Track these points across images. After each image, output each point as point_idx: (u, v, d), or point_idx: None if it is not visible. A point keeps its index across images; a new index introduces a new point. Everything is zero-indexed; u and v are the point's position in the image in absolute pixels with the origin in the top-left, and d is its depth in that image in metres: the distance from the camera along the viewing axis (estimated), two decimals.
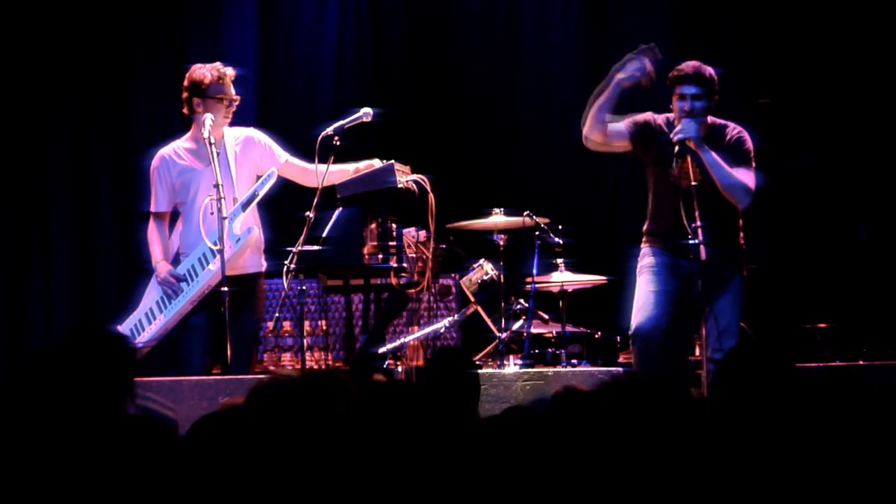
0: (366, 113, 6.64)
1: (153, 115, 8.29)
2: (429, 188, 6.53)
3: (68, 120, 8.36)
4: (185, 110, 6.70)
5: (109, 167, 8.35)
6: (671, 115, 6.32)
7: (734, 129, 6.33)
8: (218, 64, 6.67)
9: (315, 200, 6.43)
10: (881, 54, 8.06)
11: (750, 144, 6.29)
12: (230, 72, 6.65)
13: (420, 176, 6.56)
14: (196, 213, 6.59)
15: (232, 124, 6.75)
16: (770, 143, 7.90)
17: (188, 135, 6.74)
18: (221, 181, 6.41)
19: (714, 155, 6.12)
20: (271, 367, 6.82)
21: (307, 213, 6.43)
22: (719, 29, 8.36)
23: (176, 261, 6.66)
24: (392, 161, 6.50)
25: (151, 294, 6.69)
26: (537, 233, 7.26)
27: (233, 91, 6.64)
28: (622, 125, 6.33)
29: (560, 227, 7.35)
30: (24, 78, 8.23)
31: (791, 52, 8.18)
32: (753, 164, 6.25)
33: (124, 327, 6.63)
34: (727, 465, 3.18)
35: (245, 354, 6.46)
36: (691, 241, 6.04)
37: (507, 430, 3.16)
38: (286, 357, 6.87)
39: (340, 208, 6.50)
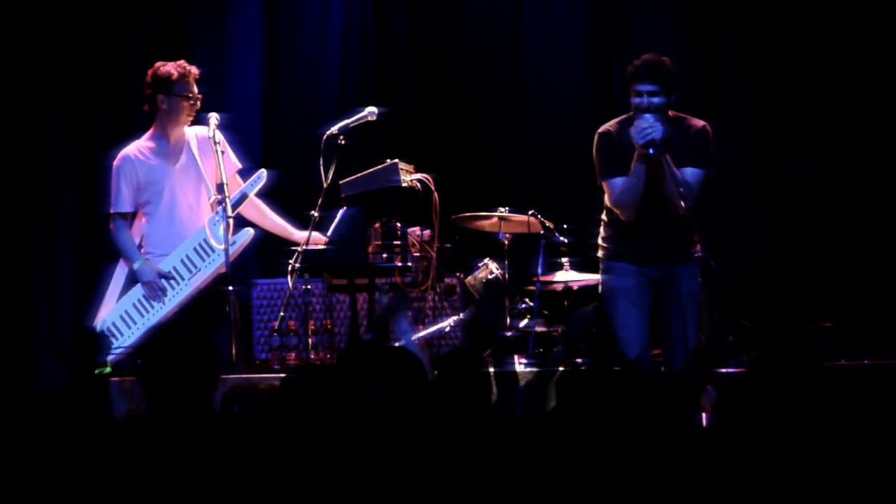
0: (370, 112, 6.69)
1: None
2: (433, 187, 6.60)
3: (68, 120, 8.39)
4: (146, 107, 6.67)
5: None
6: (624, 117, 6.17)
7: (696, 122, 6.17)
8: (182, 61, 6.67)
9: (319, 200, 6.48)
10: (882, 53, 8.06)
11: (712, 141, 6.15)
12: (194, 70, 6.64)
13: (424, 175, 6.63)
14: (165, 213, 6.61)
15: (231, 123, 6.82)
16: (770, 143, 8.18)
17: (150, 133, 6.71)
18: (227, 181, 6.50)
19: (668, 158, 5.94)
20: (276, 366, 6.86)
21: (312, 212, 6.50)
22: (720, 31, 8.38)
23: None
24: (396, 160, 6.56)
25: (126, 290, 6.63)
26: (542, 232, 7.30)
27: (196, 89, 6.63)
28: (615, 178, 6.11)
29: (565, 226, 7.40)
30: (24, 78, 8.27)
31: (791, 52, 8.19)
32: (709, 164, 6.11)
33: (97, 325, 6.59)
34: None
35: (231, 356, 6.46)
36: (647, 245, 6.05)
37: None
38: (291, 356, 6.90)
39: (345, 207, 6.56)
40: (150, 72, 6.66)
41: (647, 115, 5.96)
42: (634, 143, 5.96)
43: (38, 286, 8.31)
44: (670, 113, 6.12)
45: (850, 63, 8.13)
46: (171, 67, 6.61)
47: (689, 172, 6.04)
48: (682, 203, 5.88)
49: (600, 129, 6.22)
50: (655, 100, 5.99)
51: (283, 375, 3.85)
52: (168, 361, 3.91)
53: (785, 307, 7.90)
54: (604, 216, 6.26)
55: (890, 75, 8.07)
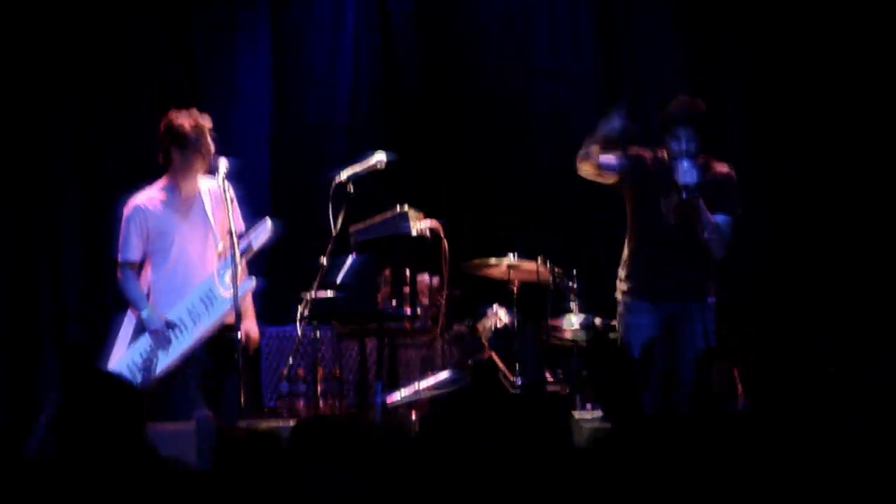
0: (379, 161, 6.69)
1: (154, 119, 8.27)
2: (442, 234, 6.64)
3: (69, 120, 8.36)
4: (159, 158, 6.65)
5: (112, 164, 8.38)
6: (660, 152, 6.30)
7: (722, 168, 6.33)
8: (195, 112, 6.62)
9: (329, 246, 6.47)
10: (881, 52, 8.10)
11: (736, 186, 6.31)
12: (208, 123, 6.61)
13: (433, 222, 6.66)
14: (173, 264, 6.60)
15: (240, 168, 6.77)
16: (771, 143, 8.20)
17: (162, 183, 6.70)
18: (235, 229, 6.47)
19: (702, 203, 6.13)
20: (285, 413, 6.90)
21: (321, 258, 6.48)
22: (721, 33, 8.41)
23: None
24: (405, 207, 6.60)
25: (133, 339, 6.63)
26: (551, 278, 7.29)
27: (210, 143, 6.61)
28: (613, 157, 6.29)
29: (573, 271, 7.41)
30: (24, 78, 8.24)
31: (791, 52, 8.21)
32: (737, 209, 6.27)
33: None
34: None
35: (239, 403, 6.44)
36: (670, 281, 6.17)
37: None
38: (300, 404, 6.93)
39: (354, 254, 6.56)
40: (163, 122, 6.63)
41: (686, 161, 6.14)
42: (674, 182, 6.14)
43: (43, 288, 8.32)
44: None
45: (849, 62, 8.17)
46: (184, 121, 6.57)
47: (722, 219, 6.23)
48: (713, 249, 6.12)
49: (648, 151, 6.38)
50: (693, 144, 6.18)
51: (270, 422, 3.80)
52: (82, 404, 3.77)
53: (786, 307, 7.94)
54: (623, 256, 6.39)
55: (890, 74, 8.11)
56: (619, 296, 6.40)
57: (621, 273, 6.39)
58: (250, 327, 6.60)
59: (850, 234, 8.08)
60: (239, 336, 6.30)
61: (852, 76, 8.18)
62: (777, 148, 8.26)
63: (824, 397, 3.44)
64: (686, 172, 6.10)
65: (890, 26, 8.11)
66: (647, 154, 6.33)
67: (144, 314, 6.56)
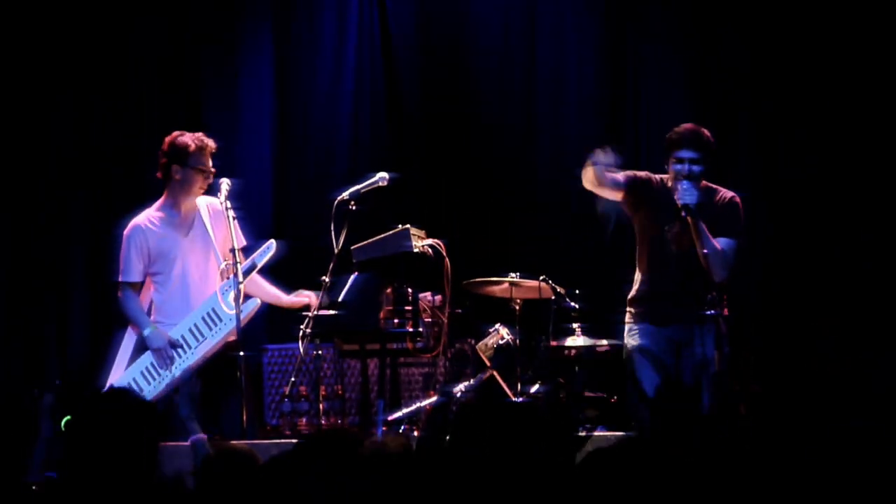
0: (381, 178, 6.75)
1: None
2: (444, 252, 6.64)
3: (69, 119, 8.39)
4: (158, 174, 6.71)
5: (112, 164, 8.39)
6: (665, 177, 6.46)
7: (726, 194, 6.48)
8: (200, 134, 6.70)
9: (331, 265, 6.51)
10: (882, 53, 8.11)
11: (741, 212, 6.46)
12: (211, 144, 6.68)
13: (435, 240, 6.67)
14: (176, 283, 6.65)
15: (243, 188, 6.87)
16: (771, 144, 8.21)
17: (161, 202, 6.74)
18: (238, 246, 6.54)
19: (702, 224, 6.27)
20: (287, 431, 6.87)
21: (323, 277, 6.52)
22: (724, 41, 8.40)
23: None
24: (407, 226, 6.62)
25: (134, 358, 6.65)
26: (553, 298, 7.29)
27: (210, 164, 6.67)
28: (620, 175, 6.42)
29: (577, 291, 7.41)
30: (24, 78, 8.27)
31: (791, 53, 8.25)
32: (740, 234, 6.41)
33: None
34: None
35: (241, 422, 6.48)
36: (672, 305, 6.27)
37: None
38: (302, 422, 6.90)
39: (356, 273, 6.58)
40: (167, 140, 6.69)
41: (686, 181, 6.29)
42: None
43: (49, 294, 8.31)
44: (703, 183, 6.42)
45: (850, 63, 8.17)
46: (188, 139, 6.64)
47: (724, 242, 6.36)
48: (715, 270, 6.21)
49: (648, 173, 6.52)
50: (695, 168, 6.34)
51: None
52: (99, 420, 3.75)
53: (788, 310, 7.98)
54: (635, 277, 6.52)
55: (889, 77, 8.11)
56: (626, 318, 6.54)
57: (629, 296, 6.54)
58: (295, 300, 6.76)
59: (850, 234, 8.10)
60: (241, 354, 6.36)
61: (853, 76, 8.20)
62: (777, 148, 8.30)
63: (826, 399, 3.37)
64: (686, 192, 6.25)
65: (890, 26, 8.14)
66: (652, 178, 6.49)
67: (147, 332, 6.60)
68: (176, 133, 6.71)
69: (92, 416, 3.77)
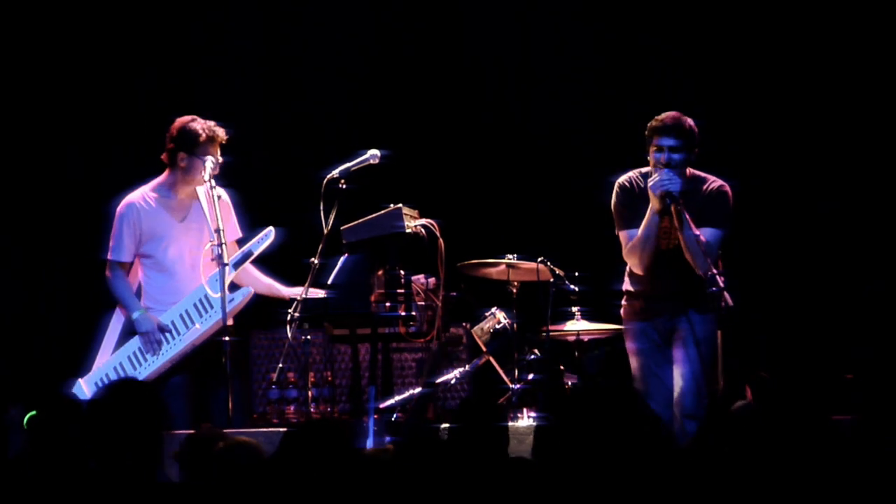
0: (373, 155, 6.69)
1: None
2: (438, 233, 6.58)
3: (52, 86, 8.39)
4: (163, 157, 6.67)
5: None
6: (646, 170, 6.43)
7: (714, 182, 6.46)
8: (212, 123, 6.66)
9: (320, 246, 6.49)
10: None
11: (730, 201, 6.44)
12: (222, 134, 6.65)
13: (429, 220, 6.61)
14: (167, 267, 6.65)
15: (229, 167, 6.78)
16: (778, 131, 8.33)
17: (159, 182, 6.71)
18: (223, 227, 6.49)
19: (686, 213, 6.21)
20: (275, 420, 6.85)
21: (312, 259, 6.48)
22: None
23: None
24: (399, 205, 6.55)
25: (122, 341, 6.65)
26: (552, 280, 7.26)
27: (219, 154, 6.64)
28: (632, 229, 6.40)
29: (576, 273, 7.36)
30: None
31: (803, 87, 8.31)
32: (727, 224, 6.39)
33: (88, 380, 6.62)
34: None
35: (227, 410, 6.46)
36: (660, 297, 6.33)
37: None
38: (290, 410, 6.87)
39: (346, 255, 6.53)
40: (176, 123, 6.65)
41: (667, 170, 6.26)
42: (651, 195, 6.26)
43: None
44: (689, 171, 6.41)
45: (850, 62, 8.27)
46: (199, 127, 6.60)
47: (708, 232, 6.29)
48: (695, 258, 6.19)
49: (620, 180, 6.51)
50: (676, 156, 6.31)
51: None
52: (114, 413, 3.87)
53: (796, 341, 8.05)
54: (626, 270, 6.55)
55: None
56: (621, 310, 6.62)
57: (623, 288, 6.58)
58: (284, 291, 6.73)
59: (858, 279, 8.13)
60: (227, 339, 6.37)
61: (853, 76, 8.29)
62: (785, 135, 8.37)
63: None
64: (668, 181, 6.23)
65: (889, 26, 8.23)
66: (633, 183, 6.45)
67: (135, 315, 6.59)
68: (187, 118, 6.65)
69: (98, 409, 3.91)
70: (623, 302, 6.57)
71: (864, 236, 8.16)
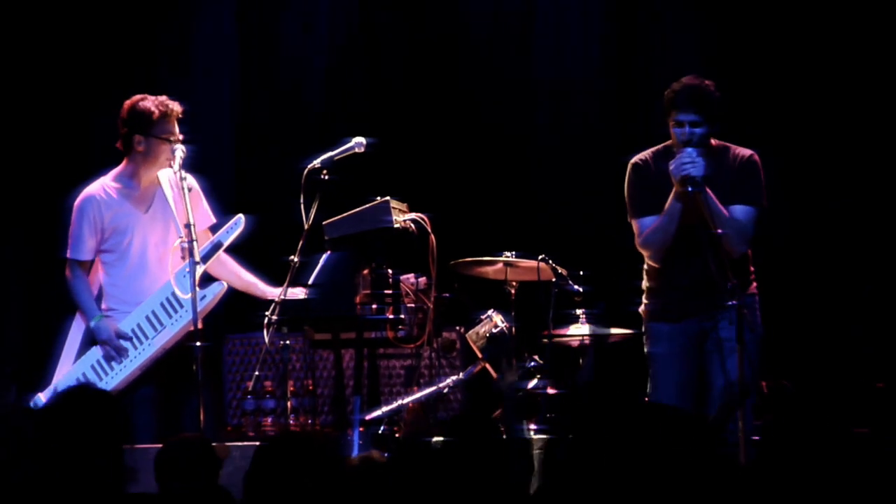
0: (358, 143, 6.55)
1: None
2: (429, 228, 6.47)
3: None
4: (118, 144, 6.53)
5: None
6: (668, 144, 6.12)
7: (743, 152, 6.14)
8: (164, 98, 6.53)
9: (300, 243, 6.34)
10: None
11: (761, 173, 6.12)
12: (177, 108, 6.51)
13: (419, 214, 6.49)
14: (131, 264, 6.51)
15: (199, 155, 6.67)
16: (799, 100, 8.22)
17: (119, 171, 6.56)
18: (193, 221, 6.30)
19: (712, 196, 5.91)
20: (250, 433, 6.72)
21: (291, 257, 6.34)
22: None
23: None
24: (387, 198, 6.41)
25: (84, 349, 6.53)
26: (553, 280, 7.11)
27: (177, 131, 6.50)
28: (646, 216, 6.13)
29: (580, 272, 7.20)
30: None
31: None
32: (760, 199, 6.10)
33: (49, 394, 6.48)
34: None
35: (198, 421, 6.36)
36: (690, 299, 6.03)
37: None
38: (267, 422, 6.72)
39: (329, 252, 6.40)
40: (126, 105, 6.52)
41: (689, 149, 5.91)
42: (672, 179, 5.94)
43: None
44: (713, 142, 6.07)
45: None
46: (151, 104, 6.46)
47: (739, 210, 6.01)
48: (731, 245, 5.88)
49: (634, 160, 6.21)
50: (698, 130, 5.96)
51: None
52: (68, 423, 3.82)
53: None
54: (644, 265, 6.30)
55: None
56: (641, 310, 6.35)
57: (644, 281, 6.30)
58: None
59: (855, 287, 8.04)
60: (198, 345, 6.20)
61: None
62: (806, 104, 8.24)
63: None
64: (689, 163, 5.91)
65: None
66: (648, 163, 6.17)
67: (93, 323, 6.47)
68: (136, 97, 6.51)
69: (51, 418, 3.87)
70: (644, 300, 6.29)
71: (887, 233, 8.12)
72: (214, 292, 6.42)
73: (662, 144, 6.14)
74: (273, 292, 6.57)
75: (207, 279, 6.50)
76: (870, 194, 8.07)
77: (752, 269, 6.10)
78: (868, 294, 7.84)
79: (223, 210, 6.79)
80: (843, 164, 8.13)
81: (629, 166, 6.19)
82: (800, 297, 8.03)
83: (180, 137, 6.48)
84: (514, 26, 8.56)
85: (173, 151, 6.42)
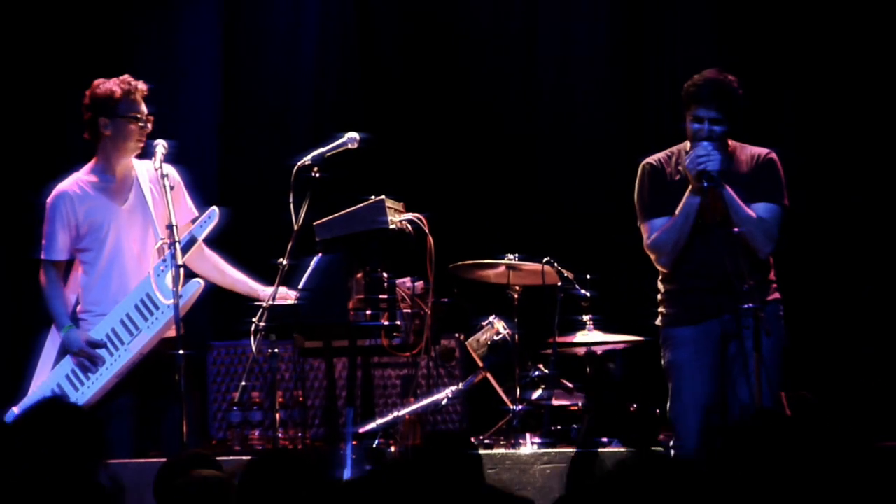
0: (351, 139, 6.43)
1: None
2: (427, 229, 6.36)
3: None
4: (86, 135, 6.44)
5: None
6: (676, 147, 6.07)
7: (760, 151, 6.09)
8: (126, 76, 6.43)
9: (289, 245, 6.23)
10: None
11: (781, 172, 6.07)
12: (142, 86, 6.40)
13: (416, 215, 6.39)
14: (108, 262, 6.40)
15: (182, 152, 6.58)
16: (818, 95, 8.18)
17: (92, 165, 6.46)
18: (176, 221, 6.20)
19: (731, 191, 5.89)
20: (237, 447, 6.59)
21: (280, 260, 6.23)
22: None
23: (74, 320, 6.41)
24: (382, 197, 6.30)
25: (57, 362, 6.42)
26: (559, 284, 7.06)
27: (145, 109, 6.41)
28: (657, 219, 6.03)
29: (588, 276, 7.16)
30: None
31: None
32: (783, 197, 6.04)
33: (20, 407, 6.34)
34: None
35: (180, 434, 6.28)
36: (713, 298, 5.86)
37: None
38: (254, 435, 6.64)
39: (320, 254, 6.29)
40: (88, 92, 6.43)
41: (705, 143, 5.84)
42: (687, 174, 5.90)
43: None
44: (730, 143, 6.03)
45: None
46: (113, 84, 6.38)
47: (763, 208, 5.93)
48: (756, 244, 5.85)
49: (646, 161, 6.13)
50: (717, 128, 5.90)
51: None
52: (37, 437, 3.81)
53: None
54: (660, 275, 6.23)
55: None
56: (658, 321, 6.22)
57: (660, 287, 6.17)
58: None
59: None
60: (181, 353, 6.10)
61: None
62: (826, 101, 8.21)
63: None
64: (705, 157, 5.84)
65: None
66: (664, 164, 6.09)
67: (62, 333, 6.38)
68: (97, 81, 6.42)
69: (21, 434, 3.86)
70: (661, 307, 6.14)
71: None
72: (190, 292, 6.28)
73: (675, 147, 6.09)
74: (261, 289, 6.49)
75: (186, 276, 6.38)
76: (870, 194, 8.06)
77: (773, 276, 5.99)
78: (868, 294, 7.81)
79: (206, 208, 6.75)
80: (843, 164, 8.10)
81: (641, 168, 6.13)
82: (817, 304, 7.96)
83: (149, 116, 6.39)
84: (517, 14, 8.52)
85: (154, 148, 6.32)
